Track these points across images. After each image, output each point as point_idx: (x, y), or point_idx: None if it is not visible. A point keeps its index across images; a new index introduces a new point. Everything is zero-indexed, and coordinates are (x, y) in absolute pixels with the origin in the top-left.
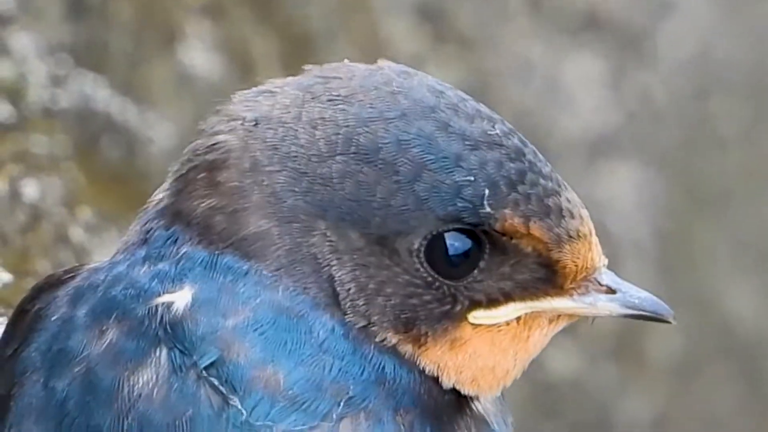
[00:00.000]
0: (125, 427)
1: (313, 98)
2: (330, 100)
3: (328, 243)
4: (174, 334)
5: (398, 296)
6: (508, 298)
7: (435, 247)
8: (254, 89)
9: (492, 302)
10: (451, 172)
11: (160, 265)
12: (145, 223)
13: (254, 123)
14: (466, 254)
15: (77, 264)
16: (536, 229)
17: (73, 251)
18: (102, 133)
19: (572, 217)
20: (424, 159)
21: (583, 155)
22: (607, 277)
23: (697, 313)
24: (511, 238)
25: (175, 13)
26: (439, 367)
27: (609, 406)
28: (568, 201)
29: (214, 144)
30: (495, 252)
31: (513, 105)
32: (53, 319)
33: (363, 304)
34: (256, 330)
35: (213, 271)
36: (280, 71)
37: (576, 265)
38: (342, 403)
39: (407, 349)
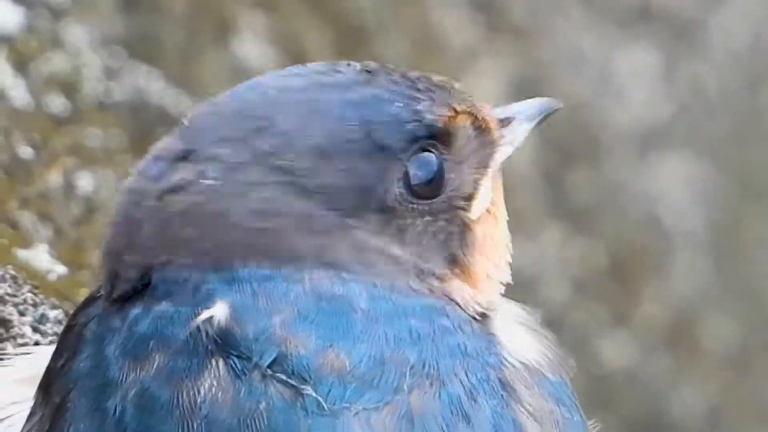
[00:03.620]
0: None
1: (234, 130)
2: (257, 130)
3: (370, 234)
4: (225, 343)
5: (432, 242)
6: (478, 180)
7: (410, 181)
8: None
9: (472, 193)
10: (381, 110)
11: (180, 296)
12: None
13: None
14: (437, 169)
15: None
16: (459, 107)
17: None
18: (156, 126)
19: (452, 86)
20: (358, 118)
21: (635, 147)
22: (498, 111)
23: (751, 303)
24: (453, 130)
25: (228, 5)
26: (480, 282)
27: (663, 397)
28: (435, 76)
29: (181, 186)
30: (450, 150)
31: (565, 96)
32: (88, 346)
33: (425, 267)
34: (305, 320)
35: (238, 284)
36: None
37: (488, 117)
38: (407, 373)
39: (466, 290)
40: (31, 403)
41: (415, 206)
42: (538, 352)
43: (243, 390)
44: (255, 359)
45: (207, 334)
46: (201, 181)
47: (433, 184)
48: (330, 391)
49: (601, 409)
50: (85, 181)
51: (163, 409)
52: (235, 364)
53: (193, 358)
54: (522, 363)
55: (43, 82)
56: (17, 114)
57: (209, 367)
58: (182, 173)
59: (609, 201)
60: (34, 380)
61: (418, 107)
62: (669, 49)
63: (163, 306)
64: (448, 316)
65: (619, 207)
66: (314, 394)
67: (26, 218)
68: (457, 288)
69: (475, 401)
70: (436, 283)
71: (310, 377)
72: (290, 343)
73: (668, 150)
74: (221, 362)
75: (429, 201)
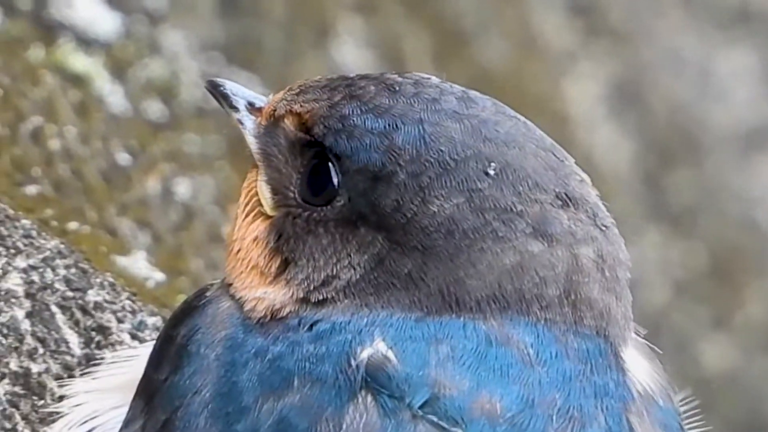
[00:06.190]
0: None
1: None
2: None
3: None
4: (378, 382)
5: None
6: None
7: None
8: None
9: None
10: None
11: (335, 335)
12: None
13: None
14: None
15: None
16: None
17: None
18: None
19: None
20: None
21: (735, 148)
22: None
23: None
24: None
25: (327, 9)
26: None
27: (765, 399)
28: None
29: None
30: None
31: (666, 99)
32: (196, 363)
33: None
34: (460, 363)
35: (398, 325)
36: (431, 67)
37: None
38: (554, 417)
39: None
40: (126, 408)
41: None
42: (651, 377)
43: (390, 428)
44: (407, 399)
45: (359, 371)
46: None
47: None
48: None
49: (702, 411)
50: (183, 188)
51: None
52: (385, 402)
53: (339, 393)
54: (639, 393)
55: (140, 88)
56: (115, 120)
57: (356, 403)
58: None
59: (710, 203)
60: (133, 383)
61: None
62: None
63: (314, 342)
64: (604, 357)
65: (719, 209)
66: None
67: (125, 225)
68: None
69: None
70: None
71: (462, 419)
72: (444, 385)
73: None
74: (370, 399)
75: None
